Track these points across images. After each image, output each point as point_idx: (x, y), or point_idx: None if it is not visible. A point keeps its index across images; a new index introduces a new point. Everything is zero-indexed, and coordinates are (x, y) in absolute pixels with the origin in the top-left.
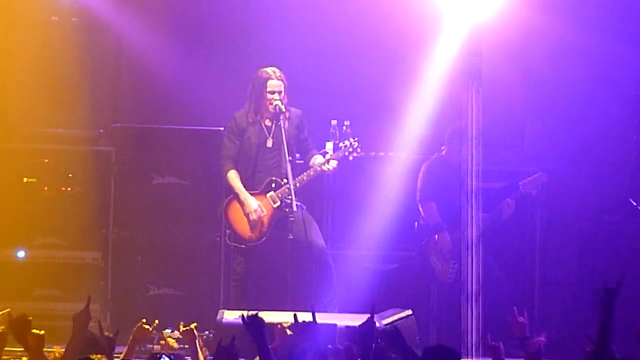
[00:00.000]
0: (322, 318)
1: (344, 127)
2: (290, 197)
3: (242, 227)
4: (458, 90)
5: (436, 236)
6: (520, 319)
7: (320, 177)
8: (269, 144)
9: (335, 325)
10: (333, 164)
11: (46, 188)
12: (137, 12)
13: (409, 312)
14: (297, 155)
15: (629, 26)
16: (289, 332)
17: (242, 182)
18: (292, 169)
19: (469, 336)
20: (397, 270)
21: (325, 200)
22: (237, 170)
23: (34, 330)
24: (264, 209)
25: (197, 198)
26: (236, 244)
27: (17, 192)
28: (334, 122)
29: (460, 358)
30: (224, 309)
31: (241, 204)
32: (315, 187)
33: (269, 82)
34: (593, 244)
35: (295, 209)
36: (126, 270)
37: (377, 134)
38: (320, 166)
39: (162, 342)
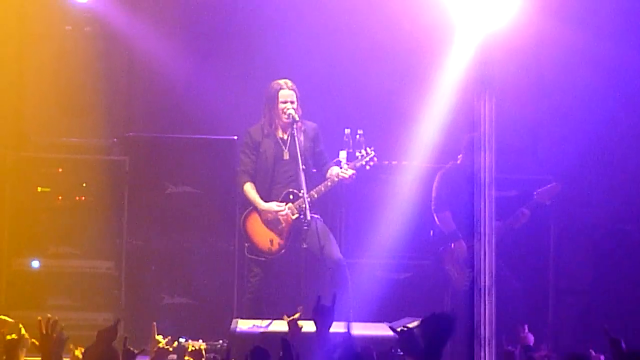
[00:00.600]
0: (335, 327)
1: (357, 136)
2: (304, 207)
3: (262, 239)
4: (471, 99)
5: (452, 244)
6: (524, 334)
7: (336, 186)
8: (286, 156)
9: (349, 333)
10: (350, 172)
11: (60, 197)
12: (150, 21)
13: None
14: (314, 169)
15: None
16: (300, 324)
17: (260, 195)
18: (306, 178)
19: (483, 344)
20: (410, 279)
21: (339, 209)
22: (253, 183)
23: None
24: (282, 220)
25: (210, 207)
26: (256, 257)
27: (31, 201)
28: (347, 130)
29: (455, 321)
30: (237, 318)
31: (261, 213)
32: (329, 196)
33: (281, 92)
34: (606, 252)
35: (309, 218)
36: (140, 279)
37: (390, 142)
38: (337, 176)
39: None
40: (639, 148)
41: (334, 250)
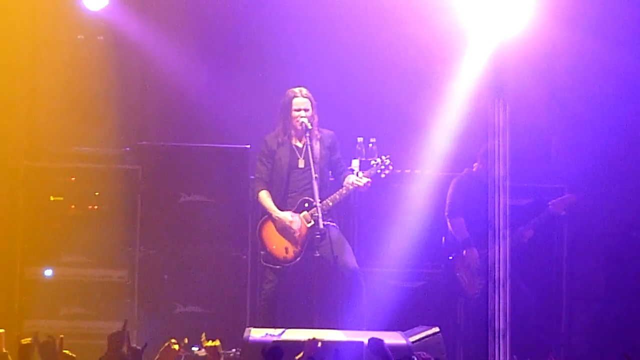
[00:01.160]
0: (349, 335)
1: (370, 145)
2: (317, 215)
3: (277, 248)
4: (484, 107)
5: (464, 251)
6: None
7: (349, 195)
8: (301, 164)
9: (362, 342)
10: (365, 180)
11: (73, 206)
12: (163, 30)
13: (436, 329)
14: (331, 178)
15: None
16: (319, 343)
17: (275, 203)
18: (319, 187)
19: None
20: (423, 288)
21: (352, 218)
22: (269, 191)
23: (66, 351)
24: (299, 227)
25: (223, 216)
26: (271, 265)
27: (44, 210)
28: (360, 139)
29: None
30: (250, 326)
31: (275, 221)
32: (342, 205)
33: (295, 100)
34: (620, 260)
35: (321, 226)
36: (153, 288)
37: (403, 151)
38: (352, 184)
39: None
40: None
41: (349, 259)
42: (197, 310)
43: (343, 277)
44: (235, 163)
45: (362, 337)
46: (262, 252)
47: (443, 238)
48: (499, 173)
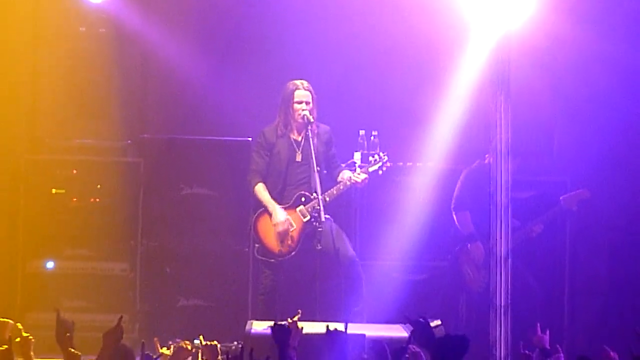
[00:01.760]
0: (351, 328)
1: (372, 137)
2: (319, 208)
3: (272, 241)
4: (486, 100)
5: (469, 245)
6: (540, 334)
7: (349, 189)
8: (299, 158)
9: (364, 335)
10: (362, 177)
11: (75, 199)
12: (165, 22)
13: (438, 322)
14: (325, 171)
15: None
16: (300, 325)
17: (272, 197)
18: (320, 180)
19: (498, 347)
20: (425, 281)
21: (353, 211)
22: (265, 184)
23: (71, 350)
24: (293, 223)
25: (225, 209)
26: (265, 258)
27: (46, 203)
28: (362, 132)
29: (469, 344)
30: (252, 319)
31: (269, 215)
32: (343, 198)
33: (296, 93)
34: (623, 254)
35: (323, 219)
36: (155, 281)
37: (405, 144)
38: (349, 180)
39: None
40: None
41: (348, 249)
42: (199, 303)
43: (344, 266)
44: (237, 156)
45: (364, 329)
46: (256, 245)
47: (452, 230)
48: (500, 166)
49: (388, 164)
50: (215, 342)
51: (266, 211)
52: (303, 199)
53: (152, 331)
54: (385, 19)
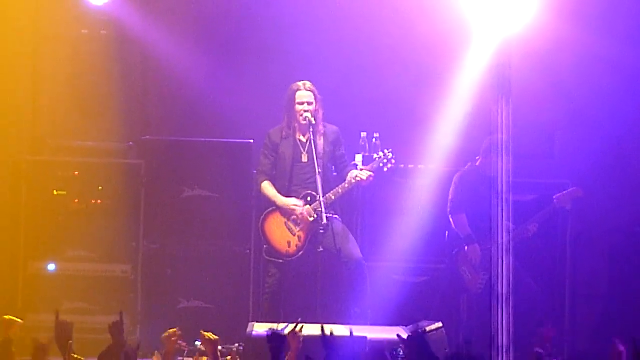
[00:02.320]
0: (353, 330)
1: (374, 140)
2: (320, 210)
3: (280, 241)
4: (487, 102)
5: (466, 247)
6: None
7: (351, 190)
8: (304, 159)
9: (366, 337)
10: (367, 174)
11: (76, 201)
12: (167, 25)
13: (439, 324)
14: (334, 173)
15: None
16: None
17: None
18: (322, 181)
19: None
20: (427, 283)
21: (356, 213)
22: (272, 183)
23: (75, 355)
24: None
25: (226, 210)
26: (274, 259)
27: (47, 204)
28: (363, 134)
29: None
30: (253, 321)
31: (280, 209)
32: (346, 199)
33: (298, 94)
34: (623, 256)
35: (325, 221)
36: (156, 283)
37: (407, 146)
38: (355, 178)
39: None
40: None
41: (354, 249)
42: (200, 305)
43: (348, 268)
44: (239, 158)
45: (366, 332)
46: (264, 246)
47: (447, 233)
48: (501, 168)
49: (393, 161)
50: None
51: (273, 212)
52: (309, 199)
53: (153, 333)
54: (387, 21)
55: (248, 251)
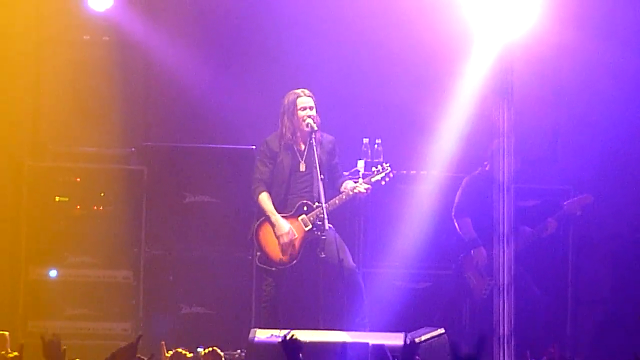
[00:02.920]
0: (354, 337)
1: (376, 145)
2: (322, 216)
3: (273, 250)
4: (490, 108)
5: (472, 251)
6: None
7: (352, 198)
8: (302, 167)
9: (368, 344)
10: (365, 187)
11: (78, 207)
12: (168, 31)
13: (442, 330)
14: (327, 181)
15: None
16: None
17: (274, 206)
18: (324, 188)
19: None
20: (429, 289)
21: (357, 219)
22: (269, 193)
23: None
24: (295, 232)
25: (228, 216)
26: (266, 267)
27: (49, 210)
28: (365, 140)
29: None
30: (255, 327)
31: (272, 225)
32: (347, 206)
33: (299, 100)
34: (626, 262)
35: (327, 228)
36: (158, 289)
37: (409, 152)
38: (352, 190)
39: None
40: None
41: (349, 259)
42: (202, 311)
43: (343, 276)
44: (241, 164)
45: (367, 338)
46: (257, 253)
47: (455, 238)
48: (504, 173)
49: (391, 175)
50: (215, 348)
51: (268, 220)
52: (305, 208)
53: (155, 339)
54: (389, 27)
55: (250, 257)
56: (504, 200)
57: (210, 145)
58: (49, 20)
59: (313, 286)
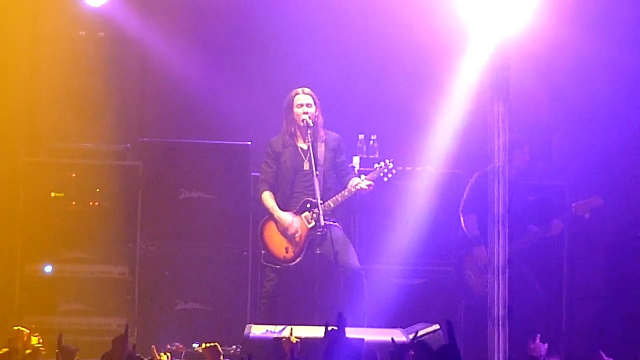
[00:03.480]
0: (350, 332)
1: (371, 142)
2: (318, 213)
3: (277, 247)
4: (485, 104)
5: (474, 249)
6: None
7: (355, 195)
8: (306, 166)
9: (363, 339)
10: (367, 183)
11: (74, 202)
12: (164, 27)
13: (437, 326)
14: (334, 177)
15: None
16: (293, 339)
17: (280, 204)
18: (324, 189)
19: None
20: (425, 285)
21: (354, 215)
22: (275, 194)
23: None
24: (298, 226)
25: (223, 212)
26: (271, 264)
27: (44, 206)
28: (361, 136)
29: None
30: (251, 323)
31: (276, 222)
32: (344, 202)
33: (297, 97)
34: (620, 258)
35: (322, 223)
36: (153, 284)
37: (405, 148)
38: (354, 186)
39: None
40: None
41: (352, 259)
42: (197, 307)
43: (345, 276)
44: (236, 160)
45: (362, 334)
46: (262, 252)
47: (454, 234)
48: (497, 171)
49: (394, 171)
50: (216, 343)
51: (271, 217)
52: (308, 205)
53: (151, 335)
54: (385, 24)
55: (245, 253)
56: (498, 203)
57: (206, 142)
58: (44, 16)
59: (311, 283)
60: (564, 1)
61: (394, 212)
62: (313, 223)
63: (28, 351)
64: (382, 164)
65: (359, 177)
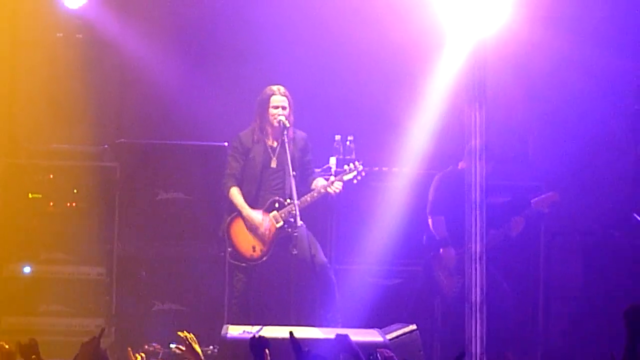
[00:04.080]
0: (325, 333)
1: (348, 142)
2: (295, 213)
3: (244, 245)
4: (461, 105)
5: (441, 250)
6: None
7: (323, 195)
8: (274, 164)
9: (348, 335)
10: (338, 185)
11: (51, 203)
12: (142, 28)
13: (413, 326)
14: (298, 178)
15: (630, 40)
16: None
17: (247, 202)
18: (296, 185)
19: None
20: (400, 285)
21: (329, 215)
22: (240, 189)
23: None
24: (267, 225)
25: (201, 213)
26: (237, 262)
27: (22, 207)
28: (337, 137)
29: None
30: (228, 323)
31: (245, 219)
32: (319, 203)
33: (273, 98)
34: (597, 258)
35: (299, 224)
36: (131, 285)
37: (381, 149)
38: (324, 188)
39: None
40: (628, 153)
41: (321, 255)
42: (175, 308)
43: (317, 273)
44: (213, 160)
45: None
46: (229, 249)
47: (424, 236)
48: (475, 171)
49: (363, 174)
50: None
51: (239, 215)
52: (276, 205)
53: (128, 335)
54: (361, 24)
55: (223, 253)
56: (476, 205)
57: (183, 142)
58: (23, 18)
59: (284, 282)
60: (540, 2)
61: (370, 212)
62: (281, 223)
63: None
64: (351, 165)
65: (328, 178)
